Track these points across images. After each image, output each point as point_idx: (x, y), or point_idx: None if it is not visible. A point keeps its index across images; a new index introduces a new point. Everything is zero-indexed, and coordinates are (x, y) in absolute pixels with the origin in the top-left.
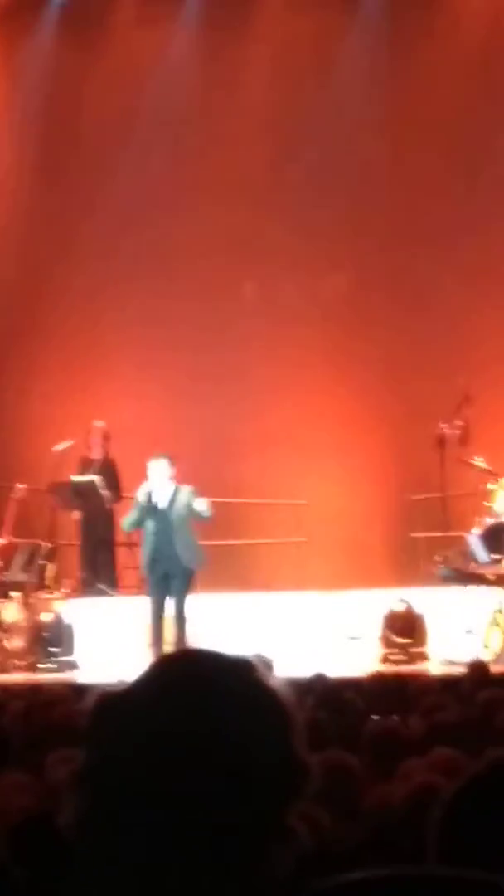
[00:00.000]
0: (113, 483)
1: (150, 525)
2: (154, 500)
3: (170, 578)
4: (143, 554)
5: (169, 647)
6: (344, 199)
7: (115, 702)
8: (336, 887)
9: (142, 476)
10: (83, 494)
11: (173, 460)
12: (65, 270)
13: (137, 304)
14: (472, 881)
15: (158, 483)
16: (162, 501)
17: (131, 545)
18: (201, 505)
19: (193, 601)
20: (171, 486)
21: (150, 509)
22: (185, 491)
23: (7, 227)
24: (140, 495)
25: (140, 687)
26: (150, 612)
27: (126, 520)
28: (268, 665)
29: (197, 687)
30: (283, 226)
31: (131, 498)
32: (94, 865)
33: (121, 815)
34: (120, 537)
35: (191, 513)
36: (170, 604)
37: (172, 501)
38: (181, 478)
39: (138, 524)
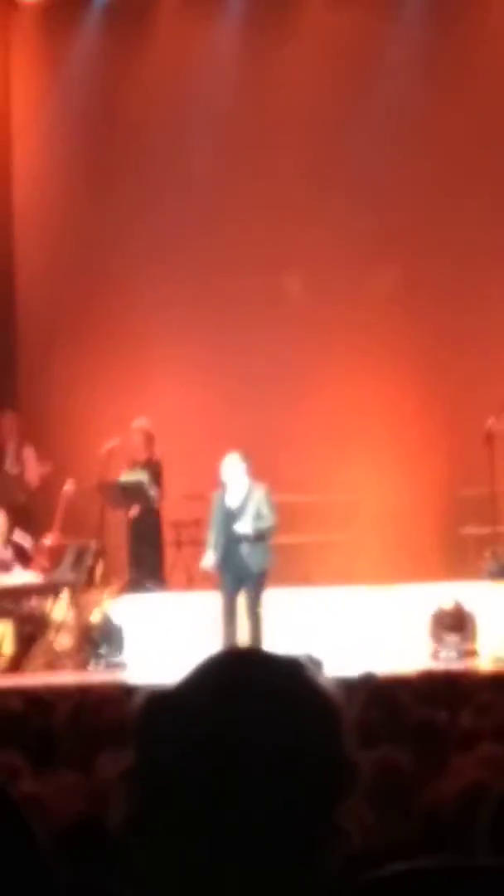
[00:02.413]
0: (157, 482)
1: (222, 523)
2: (226, 496)
3: (242, 579)
4: (214, 550)
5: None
6: (389, 198)
7: (164, 702)
8: (386, 878)
9: (192, 472)
10: (130, 494)
11: (246, 456)
12: (112, 270)
13: (185, 304)
14: None
15: (232, 480)
16: (234, 500)
17: (179, 544)
18: (266, 511)
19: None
20: (245, 484)
21: (222, 507)
22: (259, 490)
23: (52, 225)
24: (214, 510)
25: (188, 687)
26: (222, 610)
27: (209, 544)
28: (318, 665)
29: (245, 687)
30: (329, 225)
31: (185, 496)
32: (144, 867)
33: (170, 816)
34: (168, 536)
35: (258, 515)
36: (243, 603)
37: (246, 499)
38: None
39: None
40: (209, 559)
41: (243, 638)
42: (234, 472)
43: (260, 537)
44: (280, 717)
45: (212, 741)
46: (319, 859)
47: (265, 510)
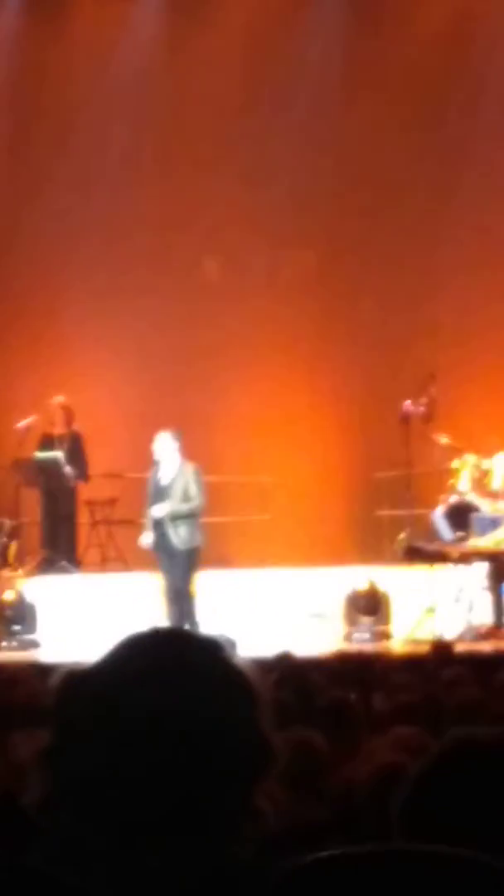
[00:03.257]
0: (79, 459)
1: (150, 500)
2: (158, 475)
3: (171, 555)
4: (150, 528)
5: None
6: (311, 172)
7: (82, 681)
8: (305, 866)
9: (109, 451)
10: (46, 471)
11: (179, 434)
12: (27, 243)
13: (101, 279)
14: (443, 856)
15: (163, 458)
16: (165, 477)
17: (94, 523)
18: (195, 491)
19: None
20: (176, 462)
21: (153, 483)
22: (189, 469)
23: None
24: (148, 488)
25: (107, 666)
26: (162, 590)
27: (151, 536)
28: (231, 644)
29: (165, 667)
30: (250, 200)
31: (101, 475)
32: (60, 844)
33: (86, 794)
34: (83, 516)
35: (186, 495)
36: (174, 582)
37: (175, 478)
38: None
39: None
40: (147, 538)
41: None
42: (165, 450)
43: (176, 518)
44: (198, 698)
45: (130, 721)
46: (237, 840)
47: (194, 490)
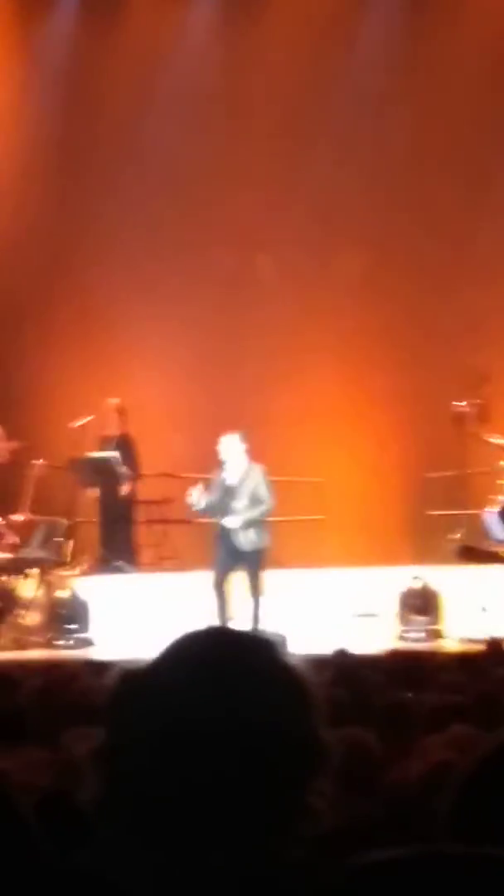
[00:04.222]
0: (130, 459)
1: (216, 501)
2: (224, 475)
3: (238, 557)
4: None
5: (240, 622)
6: (361, 177)
7: (137, 680)
8: (360, 867)
9: (162, 452)
10: (101, 471)
11: (246, 436)
12: (84, 247)
13: (156, 282)
14: (493, 858)
15: (230, 459)
16: (232, 478)
17: (150, 523)
18: (264, 493)
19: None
20: (244, 464)
21: (221, 485)
22: (257, 470)
23: (27, 203)
24: (191, 497)
25: (162, 665)
26: (213, 583)
27: (199, 499)
28: (282, 641)
29: (219, 665)
30: (301, 205)
31: (155, 475)
32: (114, 842)
33: (141, 793)
34: (138, 516)
35: (256, 497)
36: (243, 580)
37: (243, 480)
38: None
39: (209, 508)
40: (200, 502)
41: (242, 616)
42: (232, 452)
43: (250, 525)
44: (253, 696)
45: (184, 720)
46: (291, 838)
47: (262, 491)
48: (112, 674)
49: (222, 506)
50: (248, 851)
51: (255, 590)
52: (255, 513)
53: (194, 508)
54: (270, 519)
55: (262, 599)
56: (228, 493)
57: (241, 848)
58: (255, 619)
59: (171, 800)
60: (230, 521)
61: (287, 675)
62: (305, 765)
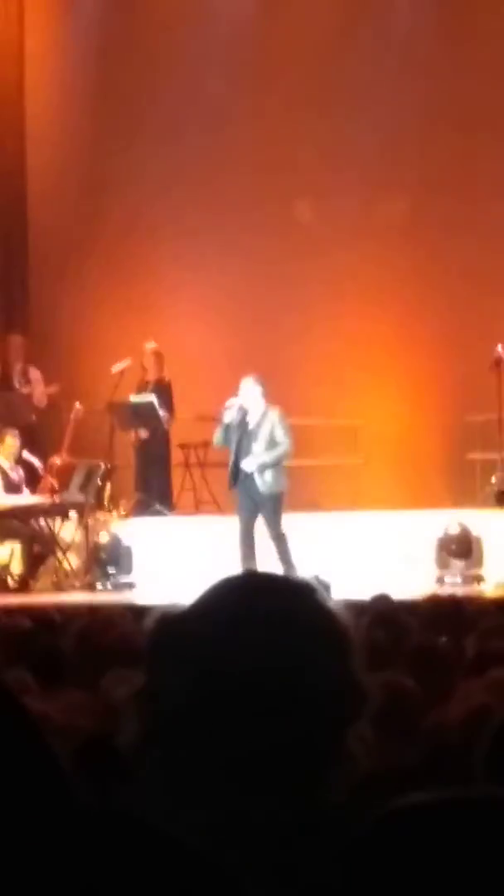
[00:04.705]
0: (167, 404)
1: (234, 445)
2: (247, 418)
3: (256, 502)
4: (229, 470)
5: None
6: (399, 127)
7: (175, 625)
8: (398, 810)
9: (202, 395)
10: (141, 415)
11: (262, 379)
12: (122, 194)
13: (192, 225)
14: None
15: (249, 402)
16: (251, 421)
17: (188, 466)
18: (281, 436)
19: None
20: (261, 407)
21: (241, 427)
22: (274, 414)
23: (63, 152)
24: (226, 413)
25: (200, 610)
26: (239, 531)
27: (215, 436)
28: (326, 587)
29: (256, 610)
30: (338, 154)
31: (193, 418)
32: (155, 786)
33: (181, 737)
34: (177, 458)
35: (273, 439)
36: (264, 526)
37: (260, 423)
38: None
39: (224, 441)
40: (218, 436)
41: (270, 562)
42: (249, 395)
43: (265, 469)
44: (290, 641)
45: (222, 664)
46: (330, 782)
47: (279, 434)
48: (151, 618)
49: (239, 450)
50: (288, 796)
51: (275, 534)
52: (271, 455)
53: (215, 444)
54: (307, 462)
55: (286, 544)
56: (246, 435)
57: (281, 793)
58: (285, 562)
59: (208, 743)
60: (247, 464)
61: (324, 619)
62: (344, 710)
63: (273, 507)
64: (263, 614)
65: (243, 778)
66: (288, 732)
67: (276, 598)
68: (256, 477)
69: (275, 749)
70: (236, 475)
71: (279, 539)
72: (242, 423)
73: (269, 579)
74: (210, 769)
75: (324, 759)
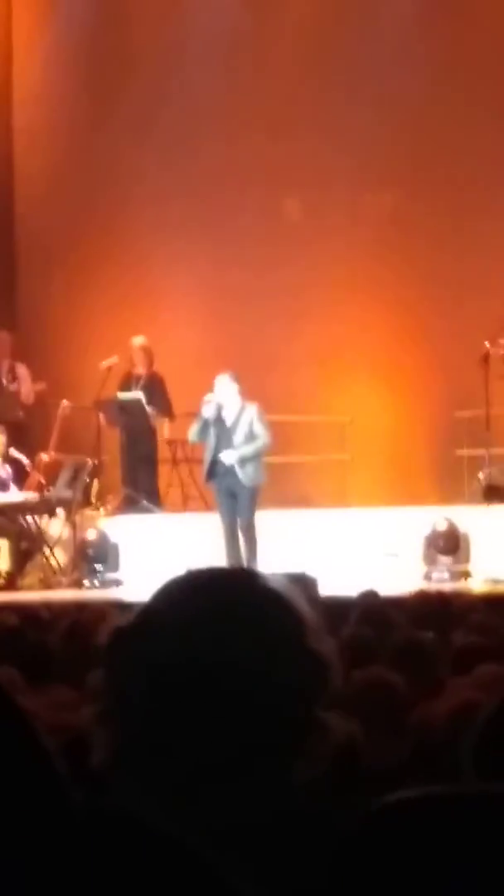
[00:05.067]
0: (159, 399)
1: (212, 439)
2: (223, 415)
3: (235, 496)
4: (204, 467)
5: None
6: (388, 116)
7: (127, 635)
8: (387, 806)
9: (191, 391)
10: (128, 411)
11: (237, 376)
12: (110, 188)
13: (183, 223)
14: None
15: (225, 399)
16: (228, 418)
17: (175, 462)
18: (259, 430)
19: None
20: (238, 403)
21: (218, 424)
22: (252, 409)
23: (51, 144)
24: (204, 408)
25: (146, 616)
26: (222, 529)
27: (190, 431)
28: (313, 582)
29: (201, 607)
30: (328, 144)
31: (183, 414)
32: (133, 796)
33: (151, 744)
34: (164, 455)
35: (252, 433)
36: (233, 522)
37: (238, 418)
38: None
39: (201, 436)
40: (193, 432)
41: (269, 556)
42: (225, 392)
43: (245, 462)
44: (237, 630)
45: (176, 668)
46: (307, 756)
47: (258, 428)
48: (104, 633)
49: (218, 445)
50: (267, 775)
51: (247, 524)
52: (251, 447)
53: (190, 439)
54: (295, 458)
55: (255, 536)
56: (224, 431)
57: (260, 773)
58: (251, 554)
59: (178, 746)
60: (227, 456)
61: (269, 600)
62: (307, 680)
63: (250, 497)
64: (208, 610)
65: (217, 765)
66: (254, 720)
67: (218, 591)
68: (238, 469)
69: (243, 730)
70: (213, 470)
71: (250, 528)
72: (219, 420)
73: (208, 574)
74: (182, 772)
75: (297, 731)
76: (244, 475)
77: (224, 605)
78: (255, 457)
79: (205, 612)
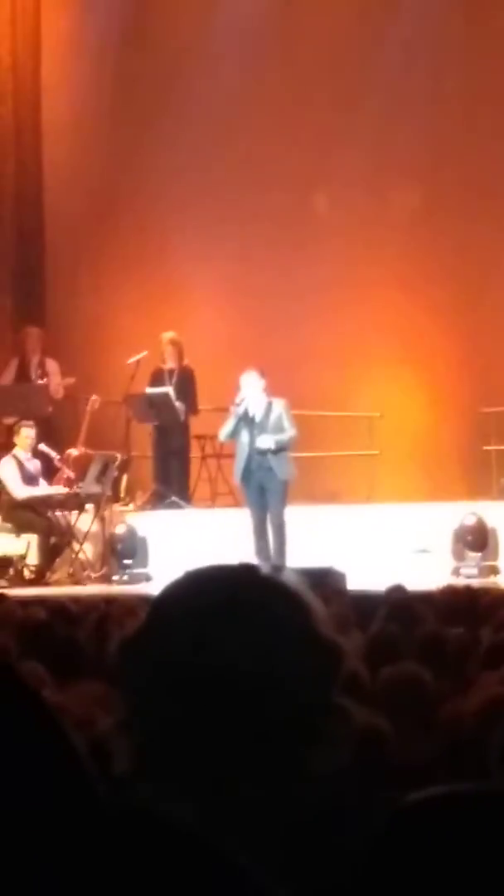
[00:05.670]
0: (189, 394)
1: (244, 436)
2: (250, 411)
3: (265, 491)
4: (236, 465)
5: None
6: (415, 113)
7: (136, 644)
8: (416, 803)
9: (218, 387)
10: (157, 406)
11: (263, 373)
12: (139, 185)
13: (211, 220)
14: None
15: (252, 395)
16: (257, 414)
17: (205, 457)
18: (287, 424)
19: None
20: (264, 399)
21: (246, 421)
22: (279, 404)
23: (80, 139)
24: (236, 409)
25: (153, 623)
26: (251, 525)
27: (222, 430)
28: (341, 577)
29: (203, 603)
30: (355, 142)
31: (211, 410)
32: (157, 795)
33: (173, 749)
34: (194, 450)
35: (279, 428)
36: (269, 516)
37: (266, 414)
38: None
39: (233, 435)
40: (225, 430)
41: (298, 552)
42: (252, 388)
43: (281, 449)
44: (242, 627)
45: (186, 671)
46: (327, 740)
47: (286, 423)
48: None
49: (244, 437)
50: (288, 761)
51: (279, 522)
52: (284, 437)
53: (221, 438)
54: (323, 453)
55: (285, 534)
56: (255, 427)
57: (280, 760)
58: (279, 552)
59: (200, 748)
60: (263, 440)
61: (276, 591)
62: (319, 668)
63: (282, 492)
64: (212, 606)
65: (238, 759)
66: (270, 707)
67: (220, 587)
68: (272, 458)
69: (259, 722)
70: (247, 467)
71: (281, 527)
72: (247, 417)
73: (208, 573)
74: (204, 771)
75: (312, 716)
76: (279, 469)
77: (227, 599)
78: (285, 447)
79: (209, 609)
